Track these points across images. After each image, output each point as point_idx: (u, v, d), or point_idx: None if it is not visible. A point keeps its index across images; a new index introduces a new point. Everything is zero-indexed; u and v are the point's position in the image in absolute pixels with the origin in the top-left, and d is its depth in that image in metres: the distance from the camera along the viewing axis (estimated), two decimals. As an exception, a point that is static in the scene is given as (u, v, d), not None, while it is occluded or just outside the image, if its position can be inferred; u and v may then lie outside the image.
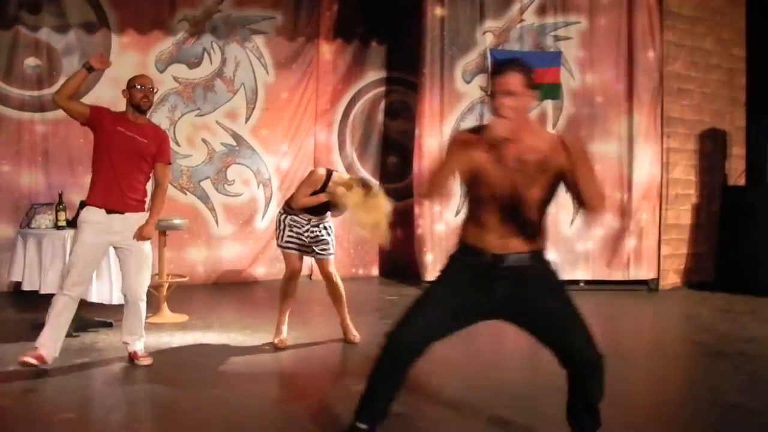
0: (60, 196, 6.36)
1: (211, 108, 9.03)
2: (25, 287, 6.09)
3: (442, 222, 8.95)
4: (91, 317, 6.33)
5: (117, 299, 5.95)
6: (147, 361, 5.30)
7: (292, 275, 5.98)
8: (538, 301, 3.44)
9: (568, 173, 3.30)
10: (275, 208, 8.95)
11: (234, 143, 9.13)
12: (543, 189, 3.35)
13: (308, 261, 6.79)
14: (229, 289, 8.76)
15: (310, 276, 8.86)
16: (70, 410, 4.34)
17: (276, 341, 5.91)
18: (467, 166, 3.35)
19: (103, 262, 5.72)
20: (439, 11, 8.97)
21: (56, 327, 5.05)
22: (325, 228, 5.93)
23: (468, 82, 9.06)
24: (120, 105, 5.38)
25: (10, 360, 5.16)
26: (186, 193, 8.93)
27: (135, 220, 5.18)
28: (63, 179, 8.01)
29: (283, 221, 5.92)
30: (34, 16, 8.30)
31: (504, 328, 3.67)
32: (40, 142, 8.32)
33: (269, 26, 9.21)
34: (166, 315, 6.85)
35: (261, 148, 9.24)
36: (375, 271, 9.82)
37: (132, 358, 5.32)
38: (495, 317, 3.53)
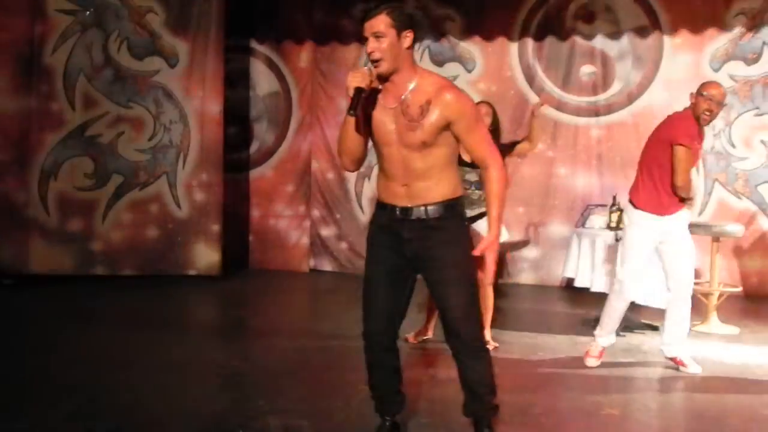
0: (614, 198, 6.57)
1: (770, 107, 8.45)
2: (577, 284, 6.45)
3: None
4: (637, 318, 6.40)
5: (662, 303, 5.94)
6: (693, 369, 5.16)
7: None
8: (435, 254, 3.32)
9: (453, 126, 3.22)
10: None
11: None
12: (430, 134, 3.21)
13: None
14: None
15: None
16: (614, 406, 4.46)
17: None
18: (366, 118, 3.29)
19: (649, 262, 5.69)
20: None
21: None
22: None
23: None
24: (671, 108, 5.33)
25: (563, 350, 5.59)
26: (741, 198, 8.48)
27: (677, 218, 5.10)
28: (616, 182, 8.23)
29: None
30: (588, 26, 8.70)
31: None
32: (594, 146, 8.70)
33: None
34: (716, 326, 6.58)
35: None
36: None
37: (675, 363, 5.23)
38: (416, 272, 3.43)
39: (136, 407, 4.26)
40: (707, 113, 4.96)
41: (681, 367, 5.19)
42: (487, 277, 3.45)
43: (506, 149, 5.74)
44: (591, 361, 5.29)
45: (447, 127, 3.24)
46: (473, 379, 3.47)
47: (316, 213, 9.41)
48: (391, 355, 3.58)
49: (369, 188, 9.17)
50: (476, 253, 3.31)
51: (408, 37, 3.22)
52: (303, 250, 9.44)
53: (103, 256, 8.44)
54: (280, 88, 9.48)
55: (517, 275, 8.80)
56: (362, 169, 9.08)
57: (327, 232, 9.40)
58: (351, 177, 9.20)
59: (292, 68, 9.43)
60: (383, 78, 3.25)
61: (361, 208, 9.27)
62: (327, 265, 9.40)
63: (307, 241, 9.43)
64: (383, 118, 3.31)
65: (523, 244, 8.80)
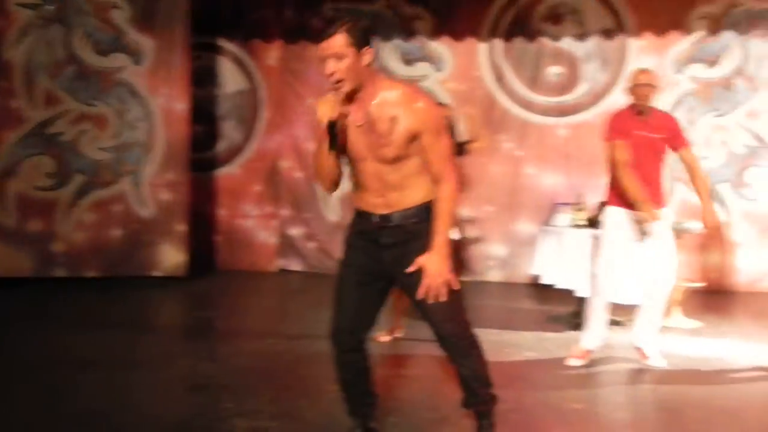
0: (581, 196, 6.63)
1: (730, 108, 8.58)
2: (544, 281, 6.51)
3: None
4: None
5: (631, 300, 6.00)
6: (657, 362, 5.23)
7: None
8: (414, 259, 3.26)
9: (418, 137, 3.20)
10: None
11: (756, 144, 8.55)
12: (401, 148, 3.21)
13: None
14: (747, 298, 8.24)
15: None
16: (579, 401, 4.52)
17: None
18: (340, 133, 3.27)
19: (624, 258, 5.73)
20: None
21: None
22: None
23: None
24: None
25: (529, 346, 5.67)
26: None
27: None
28: (583, 180, 8.30)
29: None
30: (556, 27, 8.79)
31: None
32: (561, 146, 8.80)
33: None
34: (679, 320, 6.69)
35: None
36: None
37: (640, 355, 5.30)
38: (392, 281, 3.44)
39: (100, 411, 4.19)
40: (638, 97, 5.15)
41: (643, 360, 5.27)
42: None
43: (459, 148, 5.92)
44: (572, 361, 5.29)
45: (415, 136, 3.22)
46: (467, 376, 3.50)
47: (284, 212, 9.37)
48: (359, 356, 3.56)
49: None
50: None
51: (368, 53, 3.18)
52: (271, 250, 9.40)
53: (65, 258, 8.27)
54: (248, 86, 9.44)
55: (484, 273, 8.84)
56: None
57: (295, 231, 9.36)
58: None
59: (261, 66, 9.39)
60: (348, 97, 3.22)
61: (330, 207, 9.25)
62: (296, 265, 9.36)
63: (275, 240, 9.40)
64: (354, 136, 3.29)
65: (489, 240, 8.86)
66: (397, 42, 9.01)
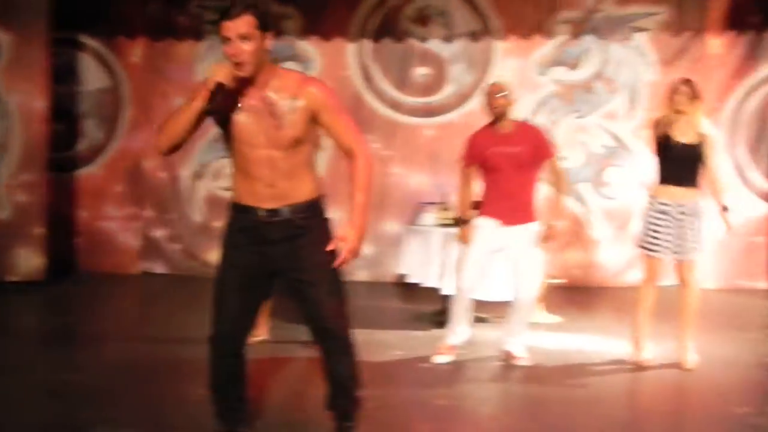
0: (445, 196, 6.73)
1: (590, 109, 8.93)
2: (411, 280, 6.58)
3: None
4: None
5: (495, 297, 6.16)
6: (523, 361, 5.32)
7: (650, 280, 5.38)
8: (302, 254, 3.30)
9: (319, 117, 3.22)
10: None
11: (613, 145, 8.93)
12: (299, 130, 3.21)
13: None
14: (606, 293, 8.59)
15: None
16: (445, 397, 4.58)
17: (636, 359, 5.40)
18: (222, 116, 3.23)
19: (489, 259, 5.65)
20: None
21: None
22: (698, 218, 5.23)
23: None
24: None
25: (397, 345, 5.75)
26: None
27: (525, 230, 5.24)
28: (448, 180, 8.44)
29: (647, 214, 5.37)
30: (423, 29, 8.90)
31: None
32: (427, 146, 8.92)
33: (652, 22, 8.86)
34: (541, 315, 6.89)
35: (641, 149, 8.92)
36: (762, 284, 8.95)
37: (508, 356, 5.37)
38: (275, 277, 3.41)
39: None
40: (494, 111, 5.18)
41: (512, 361, 5.35)
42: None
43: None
44: (437, 358, 5.32)
45: (314, 119, 3.22)
46: (342, 374, 3.49)
47: (147, 213, 9.12)
48: (238, 361, 3.50)
49: (203, 188, 9.00)
50: (332, 247, 3.30)
51: (270, 38, 3.18)
52: (134, 252, 9.14)
53: None
54: (110, 83, 9.14)
55: (352, 273, 8.84)
56: (196, 169, 8.93)
57: (159, 233, 9.13)
58: (184, 176, 8.99)
59: (124, 64, 9.11)
60: (244, 79, 3.17)
61: (195, 208, 9.07)
62: (159, 268, 9.13)
63: (138, 242, 9.14)
64: (247, 120, 3.21)
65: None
66: (266, 41, 8.91)
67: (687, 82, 5.30)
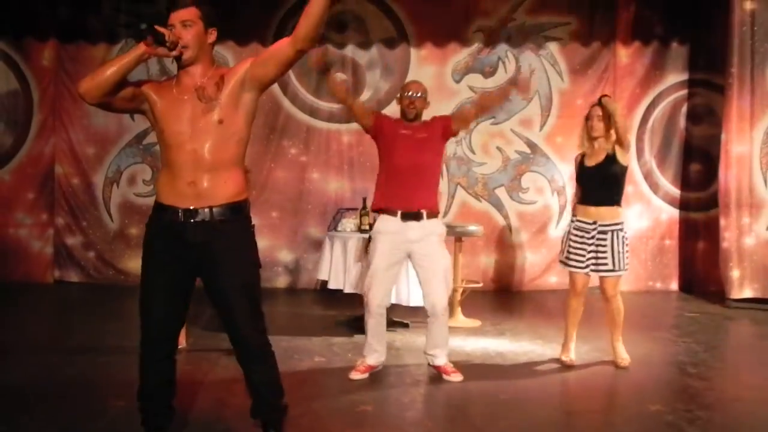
0: (364, 201, 6.77)
1: (505, 116, 9.10)
2: (331, 286, 6.57)
3: (751, 235, 8.26)
4: (389, 317, 6.61)
5: (414, 302, 6.24)
6: (458, 377, 5.15)
7: (574, 294, 5.56)
8: (219, 258, 3.30)
9: (248, 74, 3.29)
10: (569, 216, 8.82)
11: (528, 151, 9.14)
12: (228, 107, 3.28)
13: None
14: (524, 296, 8.77)
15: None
16: (369, 403, 4.62)
17: (564, 359, 5.59)
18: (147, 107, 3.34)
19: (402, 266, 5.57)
20: (748, 5, 8.30)
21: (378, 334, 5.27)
22: (614, 235, 5.41)
23: (783, 82, 8.33)
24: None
25: (318, 351, 5.76)
26: (480, 201, 9.08)
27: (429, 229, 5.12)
28: (366, 186, 8.48)
29: (567, 231, 5.61)
30: (340, 35, 8.94)
31: None
32: (345, 151, 8.96)
33: (564, 32, 9.10)
34: (460, 320, 7.00)
35: (555, 155, 9.16)
36: (674, 285, 9.32)
37: (440, 372, 5.21)
38: (195, 277, 3.40)
39: None
40: (406, 108, 5.16)
41: (445, 376, 5.17)
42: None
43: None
44: (355, 375, 5.16)
45: (243, 88, 3.31)
46: (262, 382, 3.48)
47: (60, 221, 8.89)
48: (168, 367, 3.48)
49: (117, 194, 8.83)
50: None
51: (213, 33, 3.36)
52: (46, 260, 8.89)
53: None
54: (19, 87, 8.86)
55: (271, 279, 8.81)
56: (110, 175, 8.75)
57: (73, 240, 8.91)
58: (98, 182, 8.80)
59: (33, 67, 8.85)
60: (181, 67, 3.32)
61: (109, 215, 8.88)
62: (73, 276, 8.90)
63: (51, 250, 8.89)
64: (176, 110, 3.28)
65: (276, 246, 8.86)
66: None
67: (599, 100, 5.46)
